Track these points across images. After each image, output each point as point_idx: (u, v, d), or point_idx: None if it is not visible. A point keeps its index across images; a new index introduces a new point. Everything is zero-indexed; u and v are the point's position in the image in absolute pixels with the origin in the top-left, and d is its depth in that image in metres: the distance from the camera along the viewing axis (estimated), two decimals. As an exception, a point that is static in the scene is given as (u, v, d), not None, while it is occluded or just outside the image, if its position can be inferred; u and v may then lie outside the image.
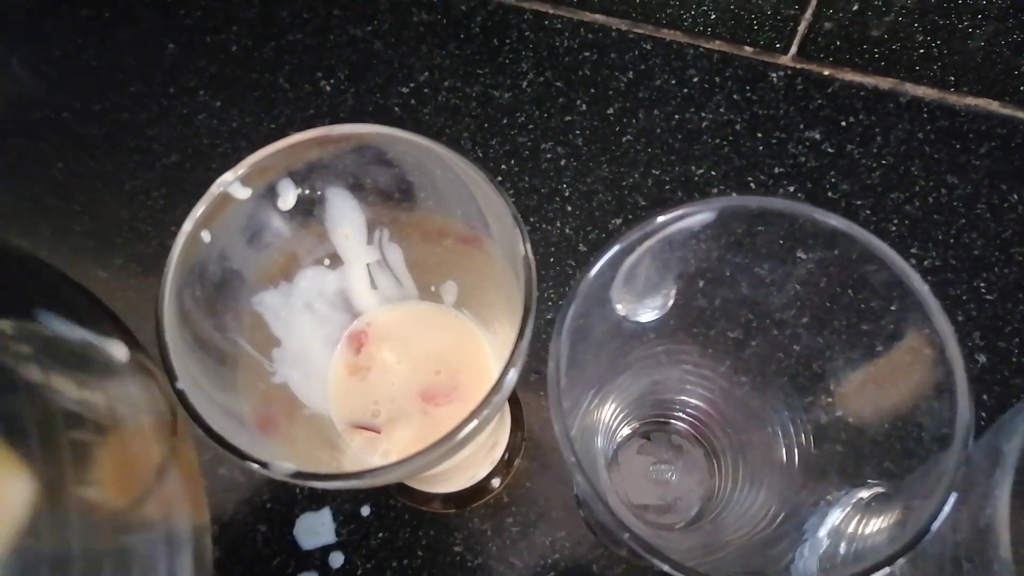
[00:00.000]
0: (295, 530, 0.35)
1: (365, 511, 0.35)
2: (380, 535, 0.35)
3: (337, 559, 0.34)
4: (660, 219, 0.21)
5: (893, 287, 0.20)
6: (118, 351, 0.24)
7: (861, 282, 0.21)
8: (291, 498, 0.35)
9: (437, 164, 0.22)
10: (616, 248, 0.20)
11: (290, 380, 0.25)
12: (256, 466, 0.18)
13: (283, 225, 0.23)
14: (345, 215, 0.24)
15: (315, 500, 0.35)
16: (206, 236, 0.22)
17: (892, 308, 0.20)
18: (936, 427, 0.18)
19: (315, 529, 0.35)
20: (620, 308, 0.23)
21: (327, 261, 0.25)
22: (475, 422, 0.18)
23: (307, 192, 0.23)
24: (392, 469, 0.19)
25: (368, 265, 0.26)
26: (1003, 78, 0.39)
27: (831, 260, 0.21)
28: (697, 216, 0.21)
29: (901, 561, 0.19)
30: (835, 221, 0.20)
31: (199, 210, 0.21)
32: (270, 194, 0.22)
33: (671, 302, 0.24)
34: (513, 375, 0.19)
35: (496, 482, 0.35)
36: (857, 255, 0.20)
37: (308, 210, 0.23)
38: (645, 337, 0.26)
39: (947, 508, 0.16)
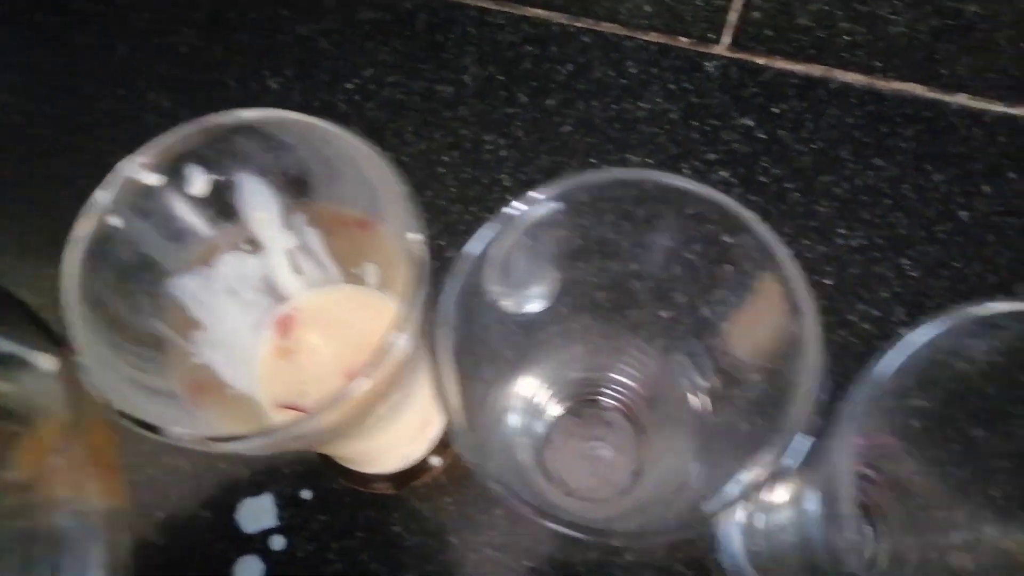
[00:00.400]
0: (237, 515, 0.36)
1: (306, 495, 0.36)
2: (321, 517, 0.35)
3: (278, 542, 0.35)
4: (510, 211, 0.21)
5: (744, 238, 0.21)
6: (46, 362, 0.25)
7: (716, 236, 0.22)
8: (234, 484, 0.36)
9: (331, 146, 0.23)
10: (472, 248, 0.21)
11: (213, 362, 0.26)
12: (148, 431, 0.19)
13: (195, 211, 0.24)
14: (258, 200, 0.25)
15: (257, 485, 0.36)
16: (116, 221, 0.23)
17: (749, 259, 0.21)
18: (794, 375, 0.19)
19: (257, 513, 0.36)
20: (504, 303, 0.24)
21: (246, 246, 0.26)
22: (364, 380, 0.19)
23: (218, 178, 0.24)
24: (292, 428, 0.20)
25: (290, 251, 0.27)
26: (926, 63, 0.40)
27: (685, 217, 0.22)
28: (548, 202, 0.21)
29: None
30: (679, 182, 0.21)
31: (105, 196, 0.22)
32: (179, 180, 0.23)
33: (556, 288, 0.25)
34: (402, 342, 0.20)
35: (435, 461, 0.36)
36: (706, 211, 0.21)
37: (220, 196, 0.24)
38: (540, 322, 0.27)
39: (795, 447, 0.17)
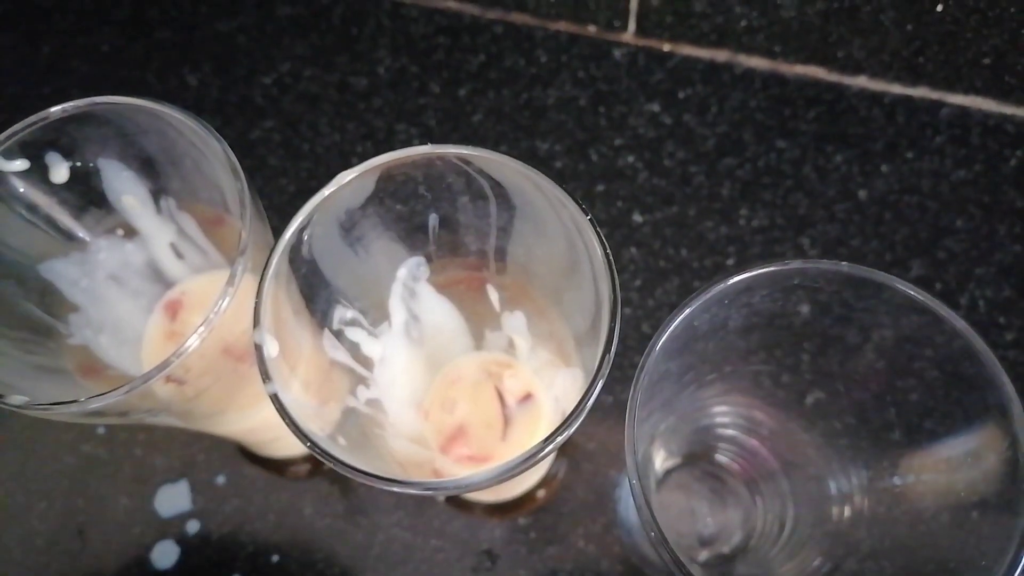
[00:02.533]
0: (155, 501, 0.37)
1: (220, 480, 0.37)
2: (234, 501, 0.36)
3: (193, 526, 0.36)
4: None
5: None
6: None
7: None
8: (151, 472, 0.37)
9: (181, 136, 0.24)
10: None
11: (95, 343, 0.27)
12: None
13: (58, 197, 0.25)
14: (124, 185, 0.26)
15: (174, 472, 0.37)
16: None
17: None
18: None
19: (173, 499, 0.37)
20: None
21: (119, 231, 0.27)
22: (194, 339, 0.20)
23: (79, 164, 0.25)
24: (114, 393, 0.21)
25: (172, 238, 0.28)
26: (821, 45, 0.41)
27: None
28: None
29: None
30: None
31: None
32: (40, 167, 0.24)
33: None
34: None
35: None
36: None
37: (85, 181, 0.25)
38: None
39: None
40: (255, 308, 0.20)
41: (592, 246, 0.20)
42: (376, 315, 0.26)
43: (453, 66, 0.44)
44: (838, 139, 0.41)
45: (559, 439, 0.18)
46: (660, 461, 0.32)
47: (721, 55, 0.43)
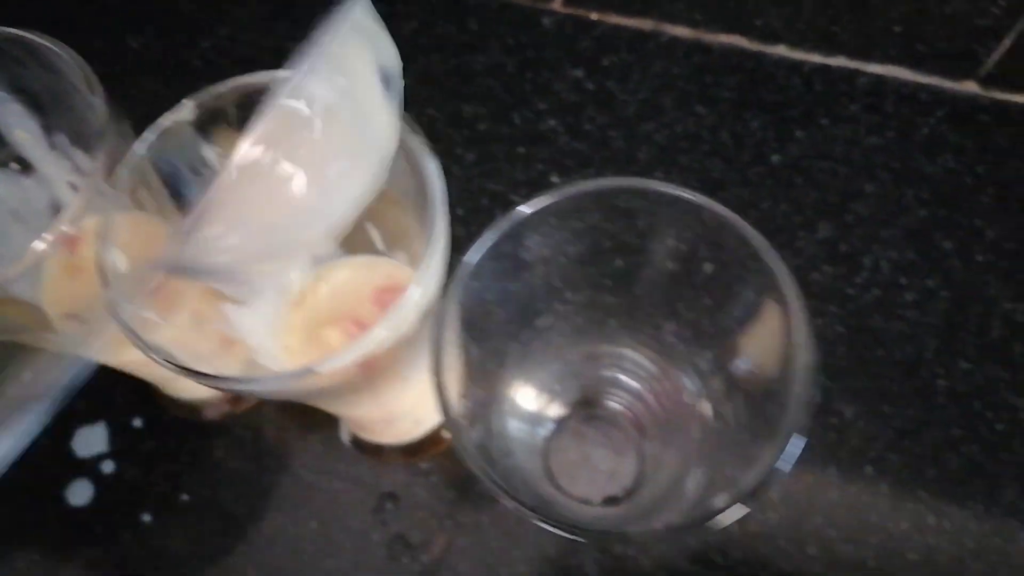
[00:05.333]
0: (72, 442, 0.38)
1: (138, 423, 0.38)
2: (149, 443, 0.37)
3: (109, 466, 0.37)
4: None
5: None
6: None
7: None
8: (71, 413, 0.38)
9: (59, 63, 0.25)
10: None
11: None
12: None
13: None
14: (12, 119, 0.27)
15: (92, 413, 0.38)
16: None
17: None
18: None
19: (90, 440, 0.38)
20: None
21: (13, 165, 0.28)
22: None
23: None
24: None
25: (68, 176, 0.29)
26: (739, 14, 0.42)
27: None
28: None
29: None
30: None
31: None
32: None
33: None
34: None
35: (257, 392, 0.38)
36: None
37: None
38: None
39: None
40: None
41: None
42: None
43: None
44: (756, 106, 0.42)
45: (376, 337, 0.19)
46: (551, 408, 0.33)
47: (646, 24, 0.44)
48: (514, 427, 0.30)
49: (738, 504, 0.19)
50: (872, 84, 0.42)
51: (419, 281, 0.19)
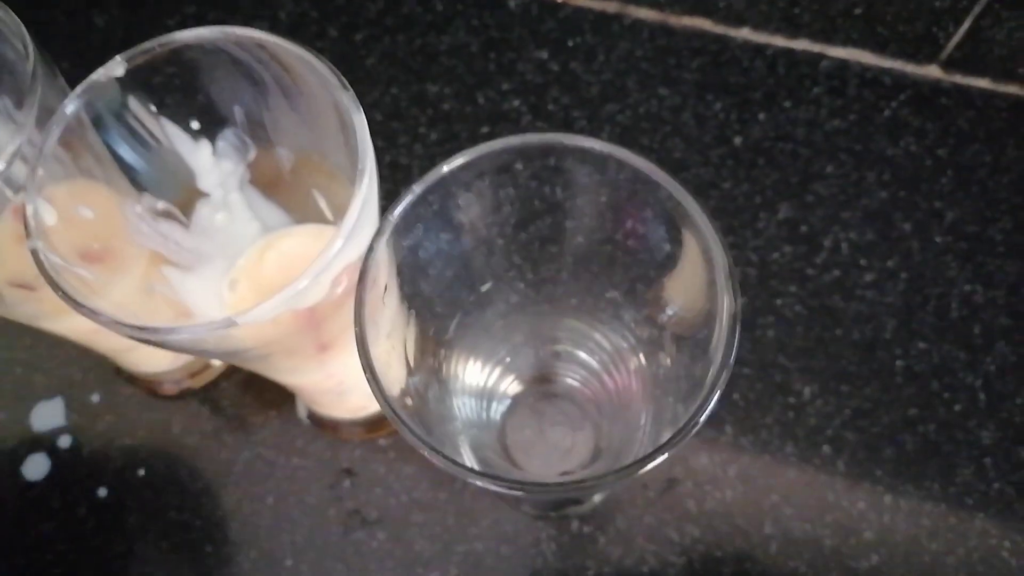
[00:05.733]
0: (30, 417, 0.38)
1: (95, 398, 0.38)
2: (107, 418, 0.37)
3: (66, 441, 0.37)
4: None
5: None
6: None
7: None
8: (29, 388, 0.38)
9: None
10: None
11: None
12: None
13: None
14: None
15: (51, 389, 0.38)
16: None
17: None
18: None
19: (48, 415, 0.38)
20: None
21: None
22: None
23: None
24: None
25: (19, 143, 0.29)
26: (703, -5, 0.42)
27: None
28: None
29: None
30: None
31: None
32: None
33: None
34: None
35: (218, 364, 0.38)
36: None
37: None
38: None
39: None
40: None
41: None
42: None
43: (352, 12, 0.45)
44: (719, 88, 0.42)
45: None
46: (505, 384, 0.33)
47: (611, 6, 0.44)
48: (465, 402, 0.31)
49: (658, 450, 0.19)
50: (835, 68, 0.42)
51: (343, 233, 0.19)
